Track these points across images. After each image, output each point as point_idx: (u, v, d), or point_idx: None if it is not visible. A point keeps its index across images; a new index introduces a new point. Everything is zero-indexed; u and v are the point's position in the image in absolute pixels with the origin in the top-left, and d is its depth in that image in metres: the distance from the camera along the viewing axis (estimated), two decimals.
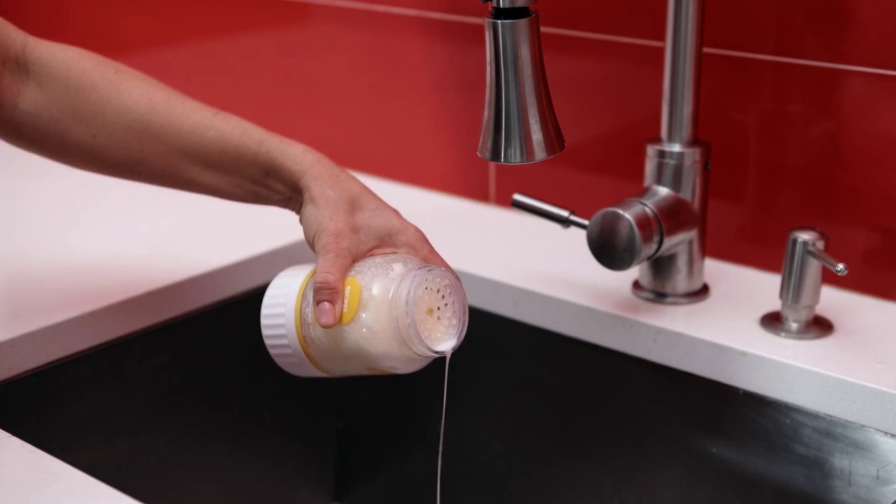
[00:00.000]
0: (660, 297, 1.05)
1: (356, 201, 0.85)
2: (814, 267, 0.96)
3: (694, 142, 1.01)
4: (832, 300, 1.03)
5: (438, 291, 0.81)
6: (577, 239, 1.09)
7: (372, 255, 0.84)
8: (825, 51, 1.03)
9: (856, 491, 0.92)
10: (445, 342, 0.81)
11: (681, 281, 1.04)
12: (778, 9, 1.05)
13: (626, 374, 1.03)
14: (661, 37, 1.00)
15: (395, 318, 0.78)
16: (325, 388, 1.23)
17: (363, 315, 0.79)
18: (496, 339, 1.10)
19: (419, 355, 0.80)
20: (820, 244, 0.95)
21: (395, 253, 0.84)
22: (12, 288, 1.06)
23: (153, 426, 1.08)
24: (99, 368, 1.03)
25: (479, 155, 0.87)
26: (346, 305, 0.79)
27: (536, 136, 0.84)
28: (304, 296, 0.83)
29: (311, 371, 0.85)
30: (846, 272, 0.92)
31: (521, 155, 0.85)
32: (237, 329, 1.14)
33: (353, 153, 1.40)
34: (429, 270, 0.80)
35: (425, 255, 0.85)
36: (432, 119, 1.32)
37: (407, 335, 0.78)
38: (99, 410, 1.04)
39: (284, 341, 0.83)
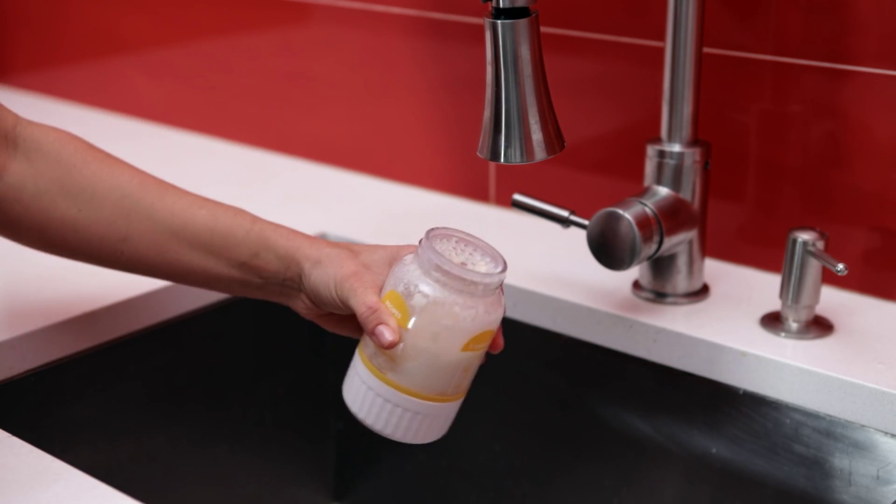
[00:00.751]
0: (660, 297, 1.05)
1: (352, 250, 0.85)
2: (814, 267, 0.96)
3: (694, 142, 1.01)
4: (832, 300, 1.03)
5: (454, 249, 0.80)
6: (577, 239, 1.09)
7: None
8: (825, 51, 1.03)
9: (856, 491, 0.92)
10: (496, 267, 0.79)
11: (681, 281, 1.04)
12: (778, 9, 1.05)
13: (626, 374, 1.03)
14: (661, 37, 1.00)
15: (436, 280, 0.76)
16: (325, 388, 1.23)
17: (413, 303, 0.77)
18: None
19: (484, 288, 0.77)
20: (820, 244, 0.95)
21: None
22: (12, 288, 1.06)
23: (153, 426, 1.08)
24: (99, 368, 1.03)
25: (479, 155, 0.87)
26: (396, 314, 0.77)
27: (536, 136, 0.84)
28: (364, 355, 0.80)
29: (437, 414, 0.80)
30: (846, 272, 0.92)
31: (521, 155, 0.85)
32: (237, 329, 1.14)
33: (353, 153, 1.40)
34: (431, 234, 0.79)
35: None
36: (432, 119, 1.32)
37: (458, 280, 0.76)
38: (99, 410, 1.04)
39: (388, 406, 0.80)
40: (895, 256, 1.04)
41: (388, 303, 0.78)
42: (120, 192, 0.87)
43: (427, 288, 0.77)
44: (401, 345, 0.77)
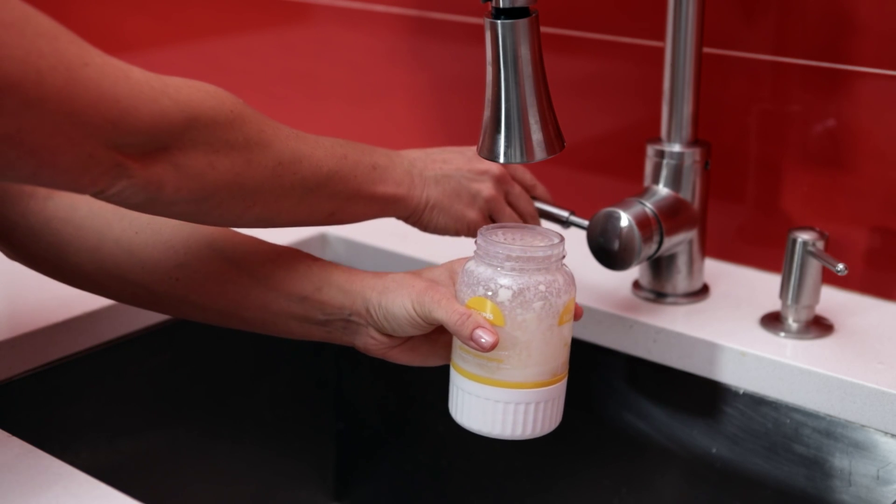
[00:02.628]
0: (660, 297, 1.05)
1: (413, 273, 0.84)
2: (814, 267, 0.96)
3: (694, 142, 1.01)
4: (832, 300, 1.03)
5: (508, 239, 0.80)
6: (577, 239, 1.09)
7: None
8: (825, 51, 1.03)
9: (856, 491, 0.92)
10: (554, 239, 0.81)
11: (681, 281, 1.04)
12: (778, 9, 1.05)
13: (626, 374, 1.03)
14: (661, 37, 1.00)
15: (511, 269, 0.78)
16: (325, 388, 1.23)
17: (500, 299, 0.78)
18: None
19: (556, 260, 0.78)
20: (820, 244, 0.95)
21: None
22: (12, 288, 1.06)
23: (153, 426, 1.08)
24: (99, 368, 1.03)
25: (479, 155, 0.87)
26: (488, 316, 0.78)
27: (536, 136, 0.84)
28: (465, 371, 0.80)
29: (557, 395, 0.81)
30: (846, 272, 0.92)
31: (521, 155, 0.85)
32: (237, 329, 1.14)
33: None
34: (484, 232, 0.80)
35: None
36: (432, 119, 1.32)
37: (531, 261, 0.77)
38: (99, 410, 1.04)
39: (511, 407, 0.80)
40: (895, 256, 1.04)
41: (474, 309, 0.79)
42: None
43: (507, 280, 0.78)
44: (502, 343, 0.78)
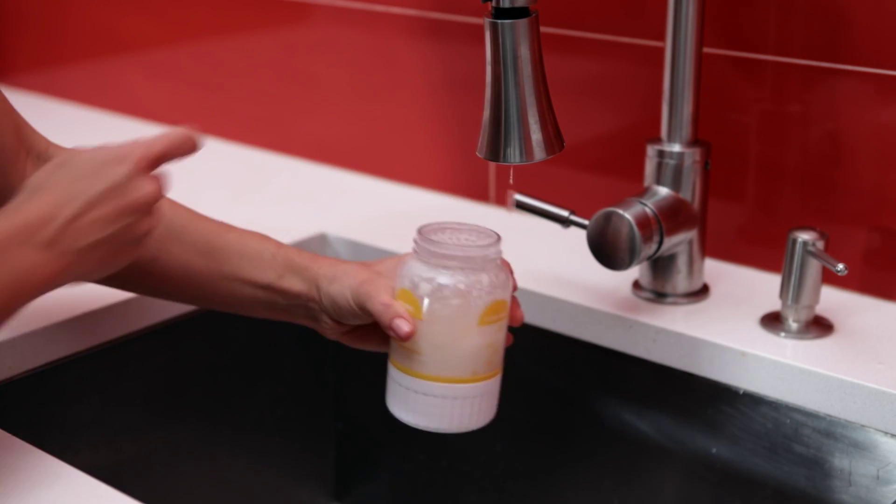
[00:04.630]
0: (660, 297, 1.05)
1: (366, 264, 0.87)
2: (814, 267, 0.96)
3: (694, 142, 1.01)
4: (832, 300, 1.03)
5: (449, 239, 0.81)
6: (577, 239, 1.09)
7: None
8: (825, 51, 1.03)
9: (856, 491, 0.92)
10: (489, 240, 0.81)
11: (681, 281, 1.04)
12: (778, 9, 1.05)
13: (626, 374, 1.03)
14: (661, 37, 1.00)
15: (436, 265, 0.79)
16: (325, 388, 1.23)
17: (421, 292, 0.79)
18: None
19: (483, 261, 0.79)
20: (820, 244, 0.95)
21: None
22: None
23: (153, 426, 1.08)
24: (99, 368, 1.03)
25: (479, 155, 0.87)
26: (409, 308, 0.80)
27: (536, 136, 0.84)
28: (395, 361, 0.83)
29: (477, 395, 0.82)
30: (846, 272, 0.92)
31: (521, 155, 0.85)
32: (237, 329, 1.14)
33: (353, 153, 1.40)
34: (424, 229, 0.81)
35: None
36: (432, 119, 1.32)
37: (455, 259, 0.79)
38: (99, 410, 1.04)
39: (428, 399, 0.82)
40: (895, 256, 1.04)
41: (400, 301, 0.81)
42: None
43: (429, 275, 0.80)
44: (420, 335, 0.80)
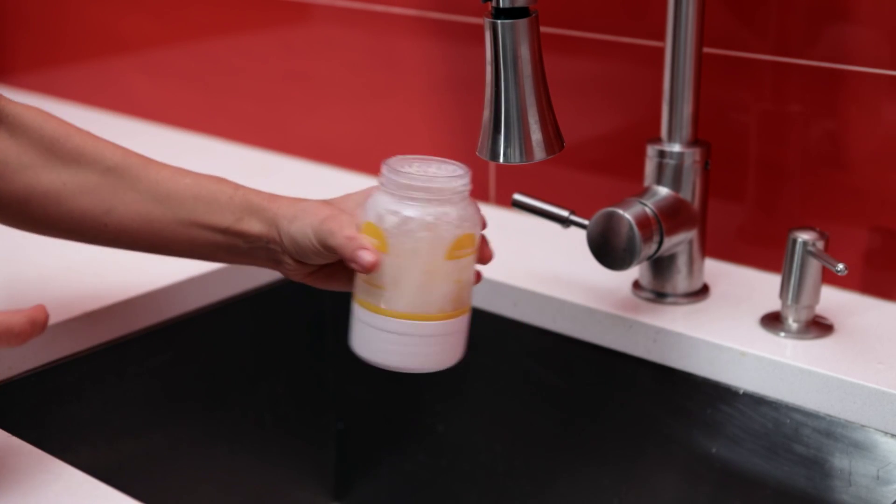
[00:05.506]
0: (660, 297, 1.05)
1: (325, 201, 0.86)
2: (814, 267, 0.96)
3: (694, 142, 1.01)
4: (832, 300, 1.03)
5: (417, 171, 0.80)
6: (577, 239, 1.09)
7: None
8: (825, 51, 1.03)
9: (856, 491, 0.92)
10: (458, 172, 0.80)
11: (681, 281, 1.04)
12: (778, 9, 1.05)
13: (626, 374, 1.03)
14: (661, 37, 1.00)
15: (402, 197, 0.77)
16: (325, 388, 1.23)
17: (387, 225, 0.78)
18: (496, 339, 1.10)
19: (451, 193, 0.78)
20: (820, 244, 0.95)
21: None
22: (12, 288, 1.06)
23: (153, 426, 1.08)
24: (99, 368, 1.03)
25: (479, 155, 0.87)
26: (374, 241, 0.78)
27: (536, 136, 0.84)
28: (359, 298, 0.81)
29: (443, 333, 0.80)
30: (846, 272, 0.92)
31: (521, 155, 0.85)
32: (237, 329, 1.14)
33: (352, 153, 1.40)
34: (390, 160, 0.79)
35: None
36: (432, 119, 1.32)
37: (423, 190, 0.77)
38: (99, 410, 1.04)
39: (392, 337, 0.79)
40: (895, 256, 1.04)
41: (364, 234, 0.79)
42: (104, 164, 0.87)
43: (396, 206, 0.78)
44: (385, 269, 0.78)
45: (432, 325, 0.79)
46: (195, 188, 0.87)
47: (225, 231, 0.87)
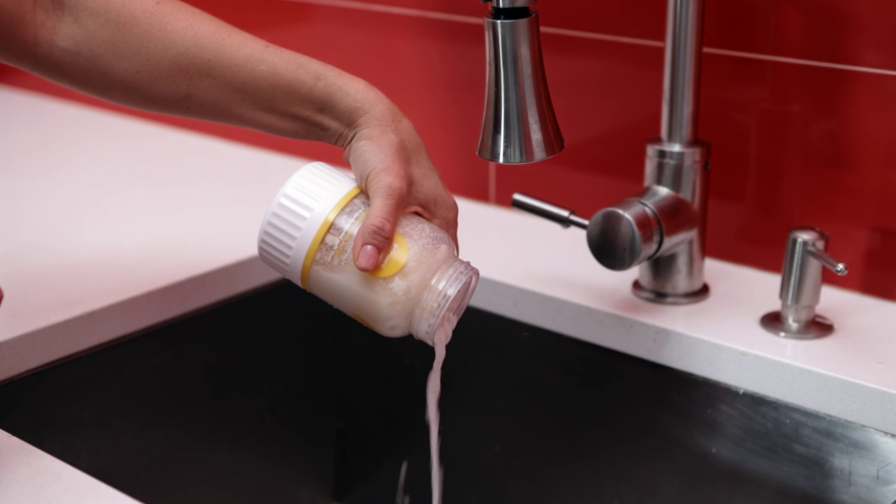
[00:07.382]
0: (660, 297, 1.05)
1: (413, 154, 0.85)
2: (814, 267, 0.96)
3: (694, 142, 1.01)
4: (832, 300, 1.03)
5: (466, 292, 0.82)
6: (577, 239, 1.09)
7: (415, 215, 0.83)
8: (825, 51, 1.03)
9: (856, 491, 0.92)
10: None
11: (681, 281, 1.04)
12: (778, 9, 1.05)
13: (626, 374, 1.03)
14: (661, 37, 1.00)
15: (425, 304, 0.79)
16: (325, 388, 1.23)
17: (398, 280, 0.79)
18: (496, 339, 1.10)
19: (416, 336, 0.81)
20: (820, 244, 0.95)
21: (433, 220, 0.84)
22: (12, 288, 1.06)
23: (153, 426, 1.08)
24: (99, 368, 1.03)
25: (479, 155, 0.87)
26: (386, 260, 0.79)
27: (536, 136, 0.84)
28: (342, 214, 0.81)
29: (291, 278, 0.82)
30: (846, 272, 0.92)
31: (521, 155, 0.85)
32: (237, 329, 1.14)
33: None
34: (471, 272, 0.81)
35: (452, 236, 0.85)
36: (432, 119, 1.32)
37: (425, 323, 0.79)
38: (99, 410, 1.04)
39: (290, 244, 0.80)
40: (895, 256, 1.04)
41: (395, 245, 0.80)
42: (174, 51, 0.85)
43: (414, 292, 0.80)
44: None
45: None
46: (272, 77, 0.85)
47: (304, 120, 0.87)
